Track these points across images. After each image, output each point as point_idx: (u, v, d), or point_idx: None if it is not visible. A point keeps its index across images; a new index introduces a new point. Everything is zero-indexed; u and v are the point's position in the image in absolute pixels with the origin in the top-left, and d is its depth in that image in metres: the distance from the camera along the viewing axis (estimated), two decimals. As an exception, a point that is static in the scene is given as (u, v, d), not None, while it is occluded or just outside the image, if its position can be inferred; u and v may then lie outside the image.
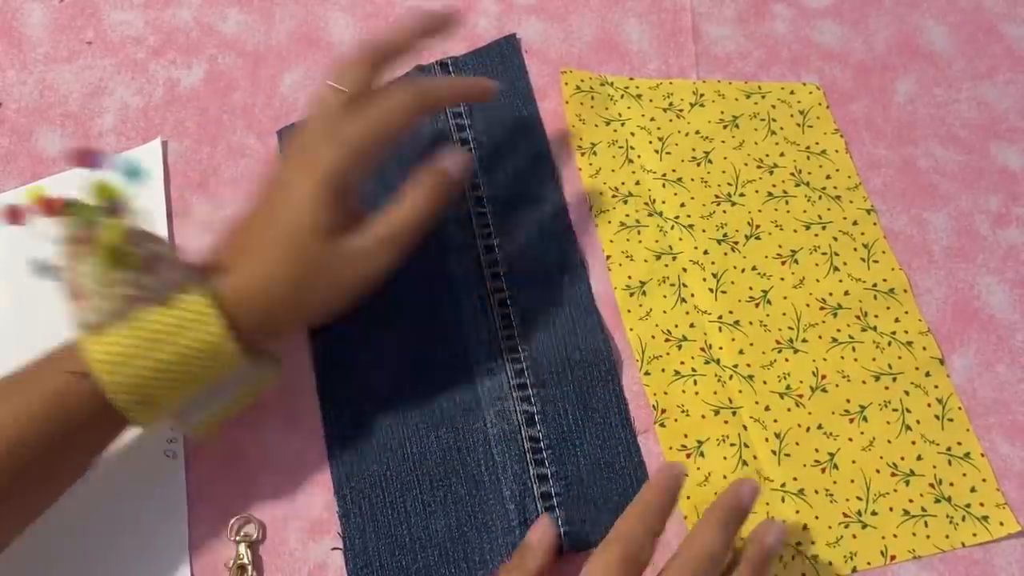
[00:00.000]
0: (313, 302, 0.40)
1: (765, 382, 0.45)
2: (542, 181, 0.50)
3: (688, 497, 0.42)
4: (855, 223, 0.49)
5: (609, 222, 0.49)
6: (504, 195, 0.49)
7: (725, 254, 0.48)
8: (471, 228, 0.48)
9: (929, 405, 0.45)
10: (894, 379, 0.45)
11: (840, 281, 0.48)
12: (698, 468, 0.43)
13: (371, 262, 0.40)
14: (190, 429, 0.40)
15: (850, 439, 0.44)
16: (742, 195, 0.50)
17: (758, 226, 0.49)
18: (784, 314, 0.47)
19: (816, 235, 0.49)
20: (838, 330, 0.46)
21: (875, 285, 0.47)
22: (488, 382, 0.45)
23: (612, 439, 0.44)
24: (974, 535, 0.42)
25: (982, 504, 0.42)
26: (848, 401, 0.45)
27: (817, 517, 0.42)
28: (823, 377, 0.45)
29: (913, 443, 0.44)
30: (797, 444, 0.44)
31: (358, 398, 0.44)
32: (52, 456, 0.36)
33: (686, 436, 0.44)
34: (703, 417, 0.44)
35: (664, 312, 0.47)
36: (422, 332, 0.46)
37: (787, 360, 0.46)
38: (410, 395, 0.44)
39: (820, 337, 0.46)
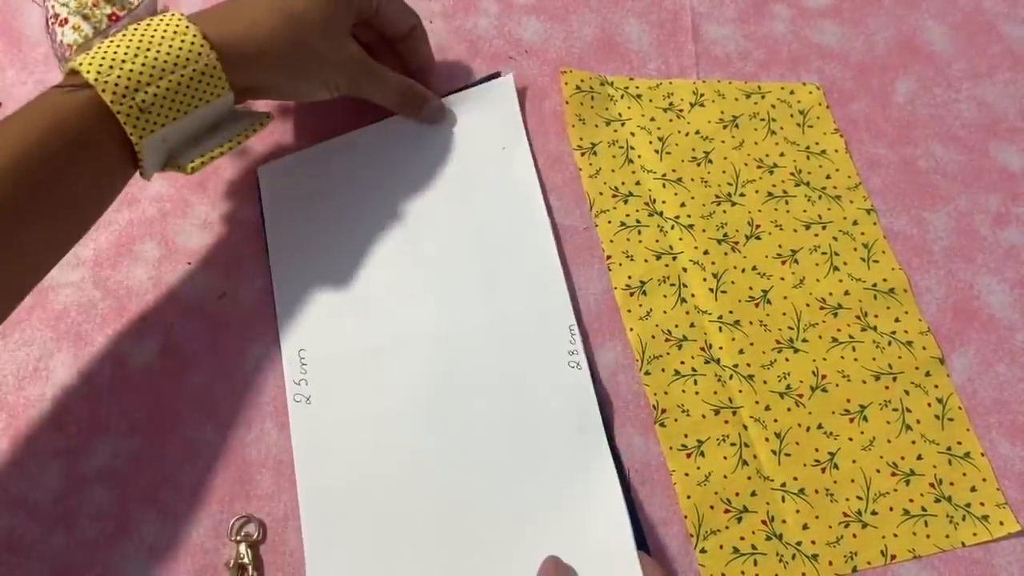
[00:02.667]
0: (302, 69, 0.43)
1: (765, 382, 0.45)
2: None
3: (688, 497, 0.43)
4: (855, 223, 0.49)
5: (609, 222, 0.49)
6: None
7: (725, 254, 0.48)
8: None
9: (929, 405, 0.45)
10: (894, 379, 0.45)
11: (840, 281, 0.48)
12: (698, 468, 0.43)
13: (360, 68, 0.46)
14: (186, 166, 0.40)
15: (850, 439, 0.44)
16: (742, 195, 0.50)
17: (758, 226, 0.49)
18: (784, 314, 0.47)
19: (816, 235, 0.49)
20: (838, 330, 0.46)
21: (875, 285, 0.47)
22: None
23: None
24: (974, 535, 0.42)
25: (982, 504, 0.42)
26: (848, 401, 0.45)
27: (817, 516, 0.42)
28: (823, 377, 0.45)
29: (913, 443, 0.44)
30: (797, 444, 0.44)
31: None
32: (62, 174, 0.37)
33: (686, 436, 0.44)
34: (703, 417, 0.44)
35: (664, 312, 0.47)
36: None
37: (787, 360, 0.46)
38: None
39: (820, 337, 0.46)
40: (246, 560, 0.41)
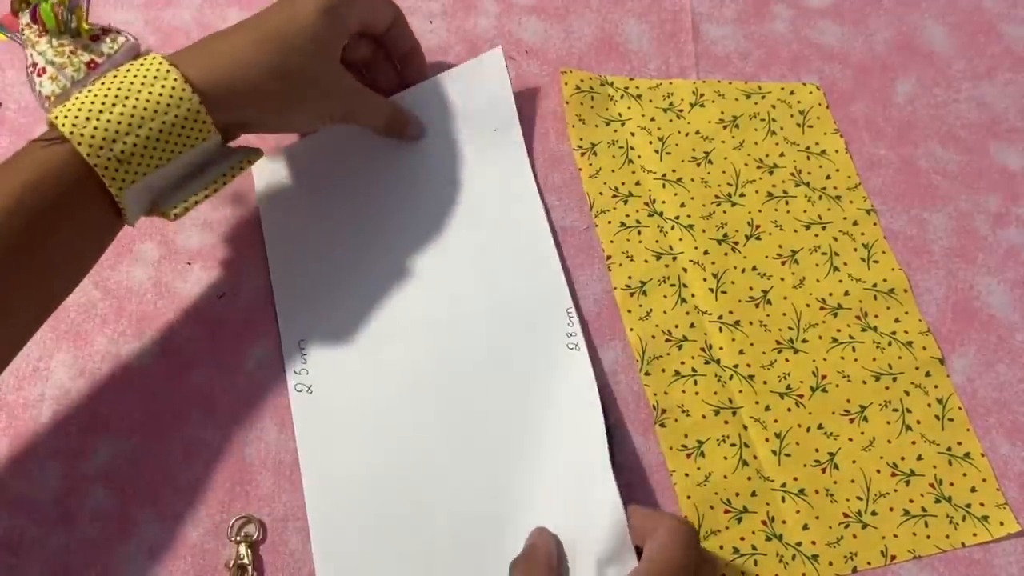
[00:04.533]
0: (294, 102, 0.42)
1: (765, 382, 0.45)
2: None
3: (688, 497, 0.43)
4: (855, 223, 0.49)
5: (609, 222, 0.49)
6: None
7: (725, 254, 0.48)
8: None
9: (929, 405, 0.45)
10: (894, 379, 0.45)
11: (840, 281, 0.48)
12: (698, 468, 0.43)
13: (349, 97, 0.45)
14: (169, 211, 0.39)
15: (850, 439, 0.44)
16: (742, 195, 0.50)
17: (758, 226, 0.49)
18: (784, 314, 0.47)
19: (816, 235, 0.49)
20: (838, 330, 0.46)
21: (875, 285, 0.47)
22: None
23: None
24: (974, 535, 0.42)
25: (982, 504, 0.42)
26: (848, 401, 0.45)
27: (817, 517, 0.42)
28: (823, 377, 0.45)
29: (913, 443, 0.44)
30: (797, 444, 0.44)
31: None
32: (44, 232, 0.36)
33: (686, 436, 0.44)
34: (703, 417, 0.44)
35: (664, 312, 0.47)
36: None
37: (787, 360, 0.46)
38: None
39: (820, 337, 0.46)
40: (246, 560, 0.41)
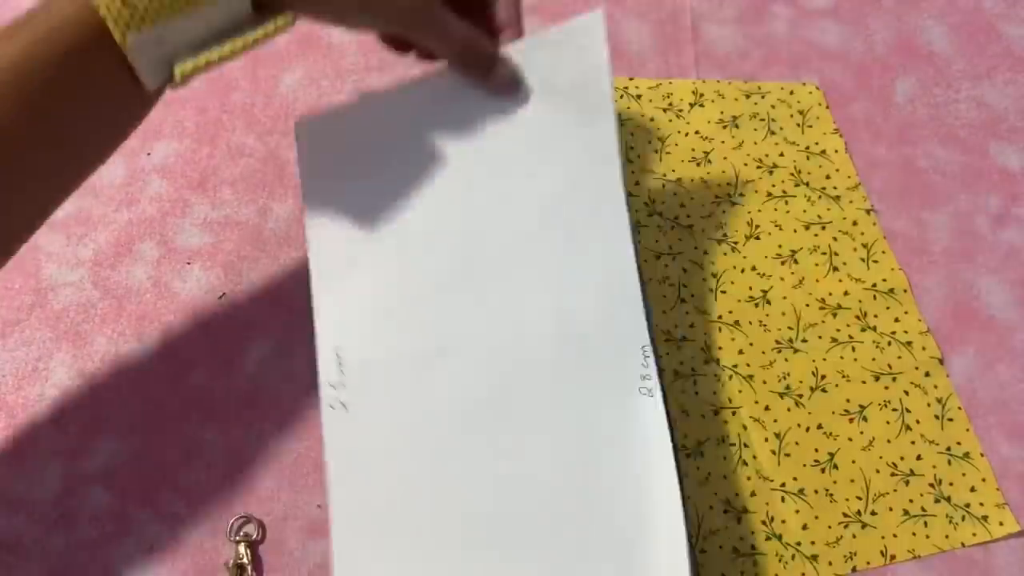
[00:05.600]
0: None
1: (765, 382, 0.45)
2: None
3: (688, 497, 0.43)
4: (855, 223, 0.49)
5: (609, 222, 0.49)
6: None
7: (725, 254, 0.48)
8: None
9: (929, 405, 0.45)
10: (894, 379, 0.45)
11: (840, 281, 0.48)
12: (698, 468, 0.43)
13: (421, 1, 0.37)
14: (178, 69, 0.35)
15: (850, 439, 0.44)
16: (742, 195, 0.50)
17: (758, 226, 0.49)
18: (784, 314, 0.47)
19: (816, 235, 0.49)
20: (838, 330, 0.46)
21: (875, 285, 0.47)
22: None
23: None
24: (974, 535, 0.42)
25: (982, 504, 0.42)
26: (848, 401, 0.45)
27: (817, 517, 0.42)
28: (823, 377, 0.45)
29: (913, 443, 0.44)
30: (797, 444, 0.44)
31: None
32: (56, 91, 0.33)
33: (686, 436, 0.44)
34: (703, 417, 0.44)
35: (664, 312, 0.47)
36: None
37: (787, 360, 0.46)
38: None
39: (820, 337, 0.46)
40: (245, 560, 0.41)
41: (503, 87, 0.41)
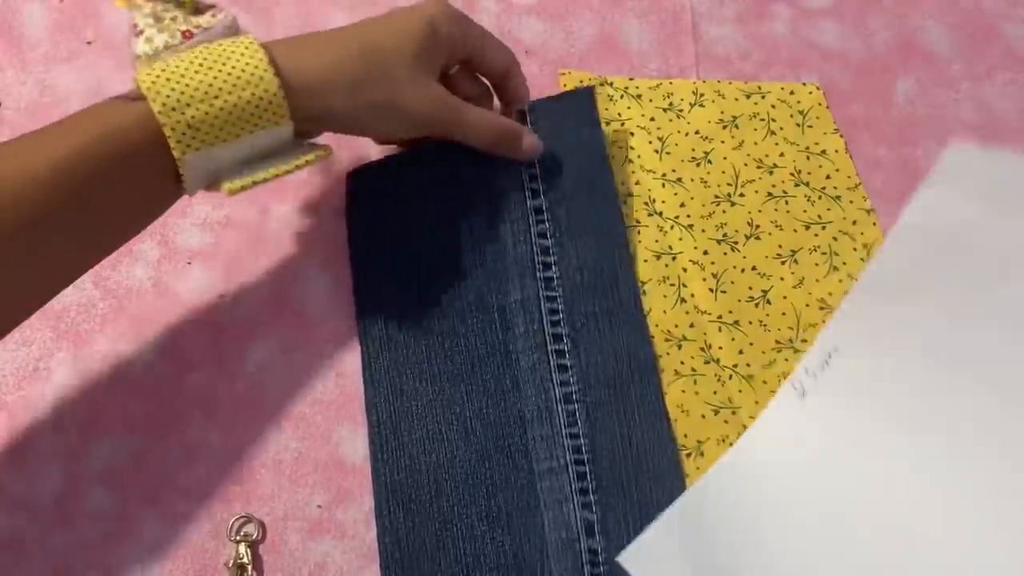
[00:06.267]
0: (375, 103, 0.41)
1: (765, 382, 0.45)
2: (615, 262, 0.46)
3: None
4: (855, 223, 0.49)
5: (609, 222, 0.49)
6: (575, 279, 0.46)
7: (725, 254, 0.48)
8: (539, 314, 0.45)
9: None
10: (894, 379, 0.45)
11: (840, 281, 0.48)
12: (697, 468, 0.43)
13: (439, 106, 0.43)
14: (225, 186, 0.39)
15: (850, 439, 0.44)
16: (742, 195, 0.50)
17: (758, 226, 0.49)
18: (784, 314, 0.47)
19: (816, 235, 0.49)
20: (838, 330, 0.46)
21: (875, 285, 0.47)
22: (548, 482, 0.42)
23: None
24: (974, 535, 0.42)
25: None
26: (848, 401, 0.45)
27: (817, 517, 0.42)
28: (823, 377, 0.45)
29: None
30: (797, 444, 0.44)
31: (415, 489, 0.42)
32: (103, 184, 0.36)
33: (686, 436, 0.44)
34: (703, 417, 0.44)
35: (664, 312, 0.47)
36: (485, 425, 0.43)
37: (787, 360, 0.46)
38: (468, 489, 0.42)
39: (820, 337, 0.46)
40: (246, 560, 0.41)
41: (529, 155, 0.47)
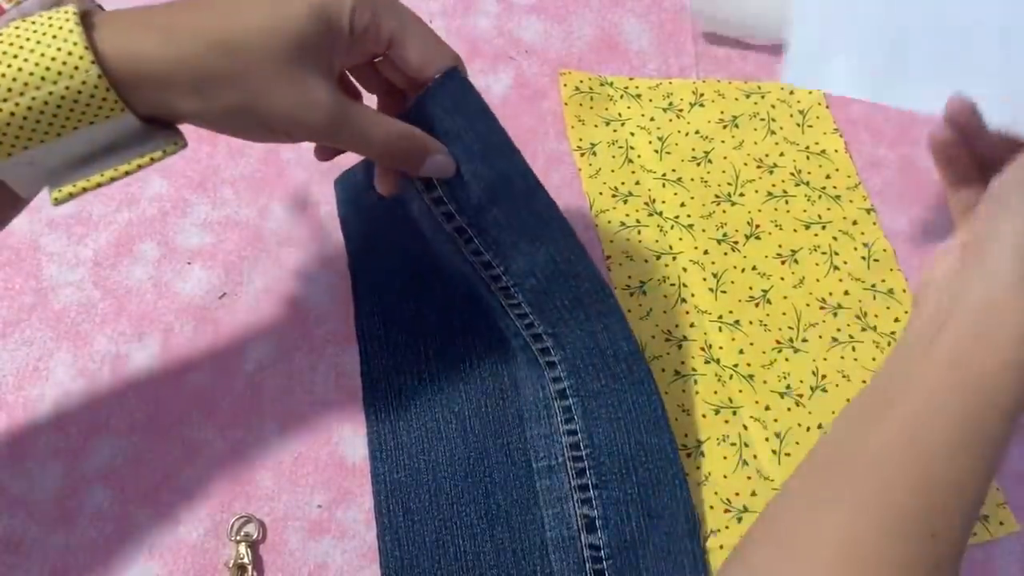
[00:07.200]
0: (233, 106, 0.33)
1: (765, 382, 0.45)
2: (573, 253, 0.41)
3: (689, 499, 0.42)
4: (855, 223, 0.49)
5: (609, 222, 0.49)
6: (530, 282, 0.40)
7: (725, 254, 0.48)
8: (509, 318, 0.42)
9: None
10: (894, 379, 0.45)
11: (840, 281, 0.48)
12: (698, 468, 0.43)
13: (315, 111, 0.34)
14: (53, 195, 0.33)
15: (850, 439, 0.44)
16: (742, 195, 0.50)
17: (758, 226, 0.49)
18: (784, 314, 0.47)
19: (816, 235, 0.49)
20: (838, 330, 0.46)
21: (875, 285, 0.48)
22: (547, 480, 0.41)
23: (677, 550, 0.40)
24: (974, 534, 0.42)
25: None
26: (848, 401, 0.45)
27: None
28: (823, 377, 0.45)
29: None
30: (797, 443, 0.44)
31: (414, 489, 0.42)
32: None
33: (686, 436, 0.44)
34: (703, 417, 0.44)
35: (664, 312, 0.47)
36: (483, 424, 0.43)
37: (787, 360, 0.46)
38: (467, 487, 0.42)
39: (820, 337, 0.46)
40: (246, 560, 0.41)
41: (439, 172, 0.38)
